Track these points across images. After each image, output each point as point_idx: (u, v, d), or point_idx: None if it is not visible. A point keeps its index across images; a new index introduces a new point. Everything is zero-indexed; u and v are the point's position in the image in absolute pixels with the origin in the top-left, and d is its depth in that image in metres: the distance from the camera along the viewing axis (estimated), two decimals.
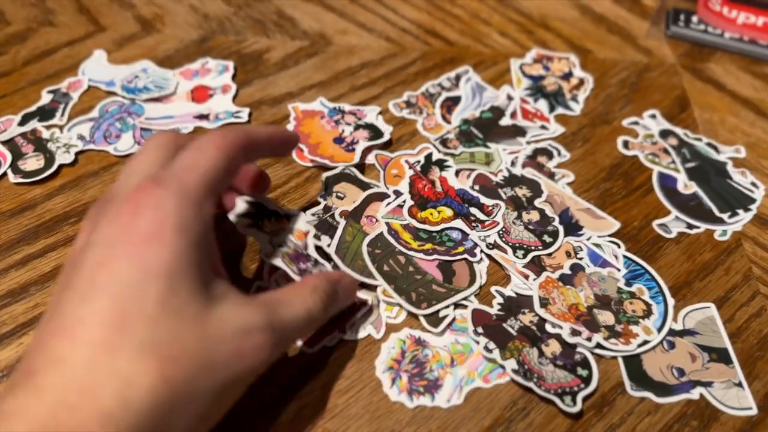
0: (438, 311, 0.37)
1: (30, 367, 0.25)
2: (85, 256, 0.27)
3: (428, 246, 0.39)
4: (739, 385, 0.35)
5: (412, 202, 0.41)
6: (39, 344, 0.25)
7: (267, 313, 0.29)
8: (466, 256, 0.39)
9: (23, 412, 0.23)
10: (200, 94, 0.47)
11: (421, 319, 0.36)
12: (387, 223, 0.40)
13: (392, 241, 0.39)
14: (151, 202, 0.27)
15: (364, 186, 0.42)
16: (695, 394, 0.34)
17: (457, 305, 0.37)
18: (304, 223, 0.39)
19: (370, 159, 0.44)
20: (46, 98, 0.47)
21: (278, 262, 0.36)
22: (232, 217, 0.38)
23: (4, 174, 0.42)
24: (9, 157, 0.43)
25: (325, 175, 0.42)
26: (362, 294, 0.37)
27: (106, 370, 0.24)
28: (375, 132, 0.46)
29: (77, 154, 0.44)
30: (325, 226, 0.40)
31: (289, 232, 0.38)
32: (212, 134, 0.31)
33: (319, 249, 0.38)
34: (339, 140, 0.45)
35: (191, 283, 0.27)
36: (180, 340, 0.26)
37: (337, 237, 0.39)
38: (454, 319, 0.36)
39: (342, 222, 0.40)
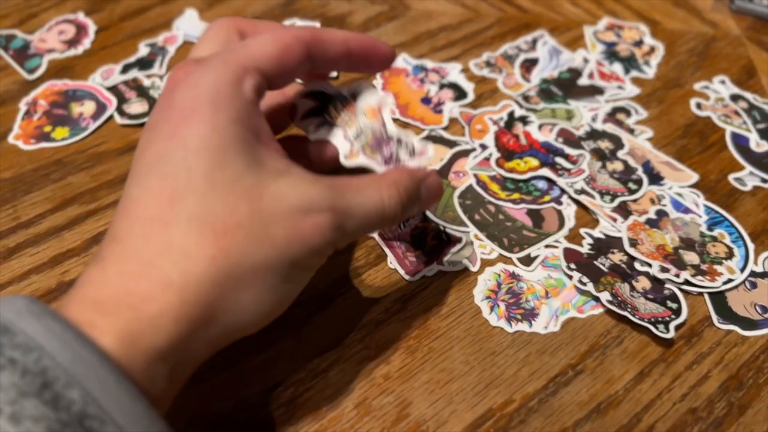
0: (530, 253, 0.39)
1: (99, 249, 0.26)
2: (139, 141, 0.28)
3: (516, 196, 0.41)
4: None
5: (498, 154, 0.43)
6: (108, 229, 0.27)
7: (331, 194, 0.28)
8: (553, 204, 0.41)
9: (89, 282, 0.24)
10: None
11: (515, 260, 0.38)
12: (475, 175, 0.42)
13: (481, 192, 0.41)
14: (186, 78, 0.27)
15: (450, 144, 0.44)
16: None
17: (548, 246, 0.39)
18: (372, 95, 0.34)
19: (454, 114, 0.46)
20: (143, 51, 0.49)
21: (359, 160, 0.33)
22: (297, 123, 0.34)
23: (111, 116, 0.45)
24: (114, 101, 0.45)
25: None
26: (456, 232, 0.39)
27: (162, 243, 0.25)
28: (459, 92, 0.48)
29: None
30: None
31: (361, 113, 0.34)
32: (275, 26, 0.31)
33: None
34: (426, 101, 0.47)
35: (238, 158, 0.26)
36: (234, 214, 0.25)
37: None
38: (545, 258, 0.38)
39: None
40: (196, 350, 0.25)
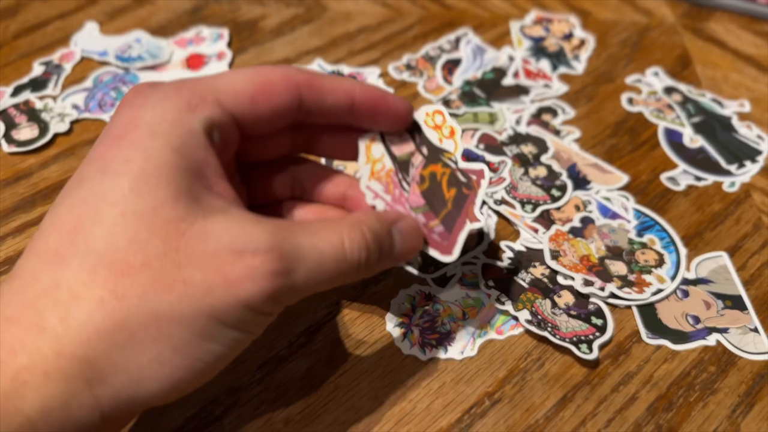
0: (445, 272, 0.36)
1: None
2: None
3: None
4: (755, 330, 0.34)
5: None
6: None
7: (276, 234, 0.23)
8: None
9: None
10: (195, 62, 0.46)
11: (429, 280, 0.36)
12: None
13: None
14: (134, 101, 0.24)
15: None
16: (711, 340, 0.34)
17: (466, 263, 0.36)
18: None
19: None
20: (38, 70, 0.46)
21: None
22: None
23: None
24: (2, 127, 0.42)
25: None
26: (468, 165, 0.31)
27: (49, 281, 0.21)
28: None
29: (72, 123, 0.43)
30: None
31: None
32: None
33: None
34: None
35: (164, 187, 0.22)
36: (141, 250, 0.21)
37: None
38: (463, 275, 0.36)
39: None
40: (79, 419, 0.21)
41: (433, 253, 0.29)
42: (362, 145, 0.30)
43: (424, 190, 0.29)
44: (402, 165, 0.30)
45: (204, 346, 0.22)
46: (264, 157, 0.30)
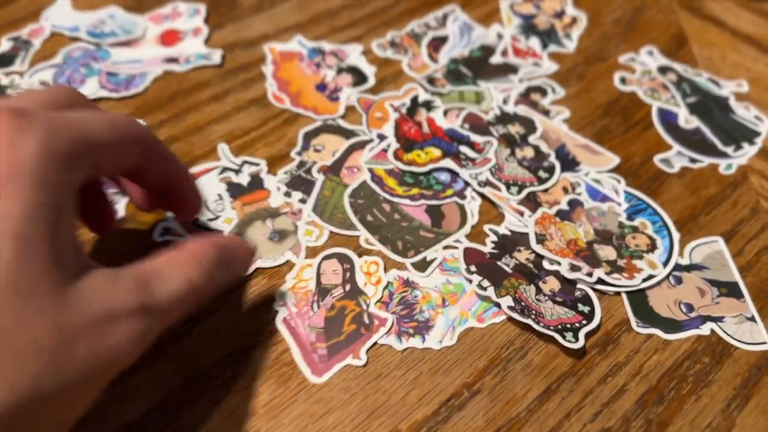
0: (425, 257, 0.34)
1: None
2: None
3: (415, 191, 0.37)
4: (752, 319, 0.32)
5: (397, 145, 0.39)
6: None
7: (139, 291, 0.24)
8: (455, 198, 0.36)
9: None
10: (170, 38, 0.44)
11: (408, 265, 0.34)
12: (370, 170, 0.37)
13: (376, 188, 0.37)
14: (9, 136, 0.21)
15: (346, 135, 0.39)
16: (705, 329, 0.32)
17: (447, 246, 0.34)
18: None
19: (352, 102, 0.41)
20: (5, 45, 0.44)
21: None
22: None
23: None
24: None
25: (302, 131, 0.39)
26: (379, 312, 0.32)
27: None
28: (359, 76, 0.43)
29: None
30: (299, 182, 0.37)
31: None
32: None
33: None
34: (321, 87, 0.42)
35: (46, 253, 0.21)
36: (29, 331, 0.20)
37: (314, 194, 0.36)
38: (444, 260, 0.34)
39: (320, 177, 0.37)
40: None
41: (304, 369, 0.30)
42: (298, 264, 0.34)
43: (328, 317, 0.32)
44: (323, 292, 0.33)
45: (85, 400, 0.23)
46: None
